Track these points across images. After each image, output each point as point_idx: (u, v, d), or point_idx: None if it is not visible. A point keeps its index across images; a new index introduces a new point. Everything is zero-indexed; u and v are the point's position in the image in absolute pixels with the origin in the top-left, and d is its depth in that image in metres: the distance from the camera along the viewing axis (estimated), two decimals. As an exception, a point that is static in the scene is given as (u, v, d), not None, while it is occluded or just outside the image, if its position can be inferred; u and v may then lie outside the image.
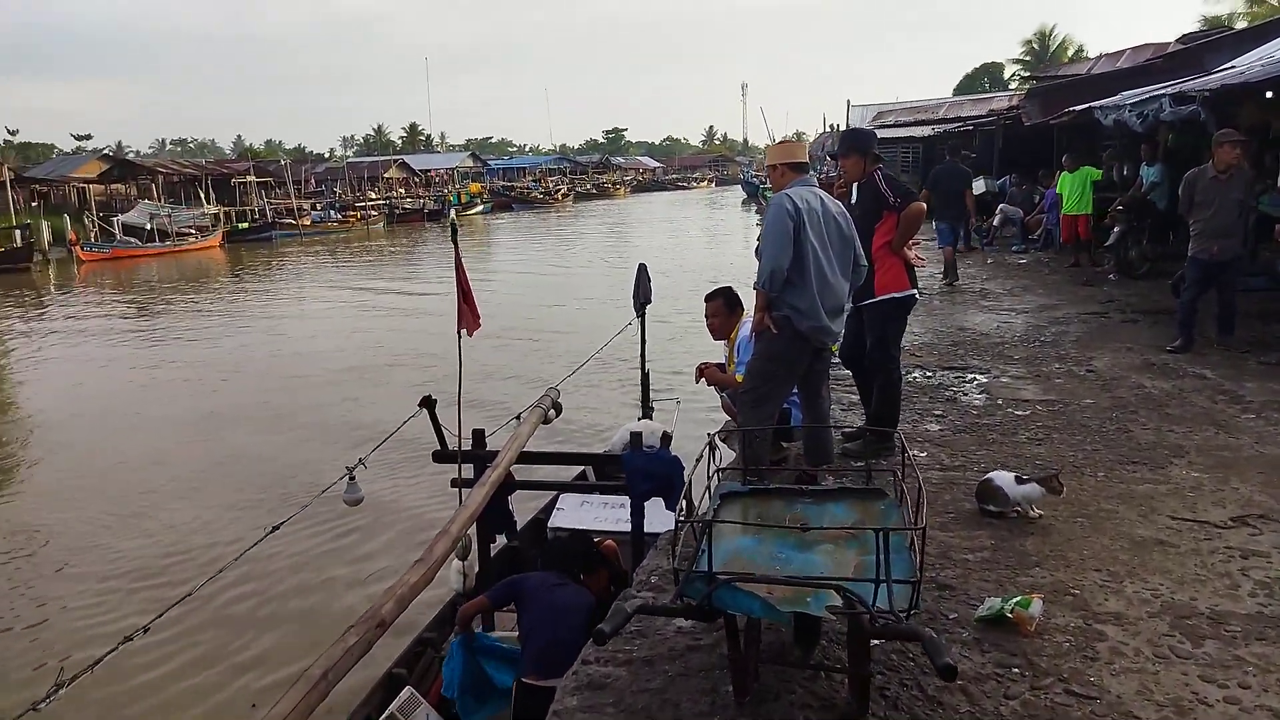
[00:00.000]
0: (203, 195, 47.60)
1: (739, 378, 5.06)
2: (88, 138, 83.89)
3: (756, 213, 45.21)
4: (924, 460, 5.20)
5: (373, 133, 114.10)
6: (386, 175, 67.59)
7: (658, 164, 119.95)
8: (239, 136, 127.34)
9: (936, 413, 6.32)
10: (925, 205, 5.40)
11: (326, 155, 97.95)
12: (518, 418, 5.29)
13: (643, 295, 7.27)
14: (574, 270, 29.22)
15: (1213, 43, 15.03)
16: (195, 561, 7.56)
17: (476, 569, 5.18)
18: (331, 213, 52.56)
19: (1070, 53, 57.83)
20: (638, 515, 5.05)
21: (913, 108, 30.31)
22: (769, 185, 6.41)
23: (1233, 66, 11.33)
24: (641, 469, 4.98)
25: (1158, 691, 2.92)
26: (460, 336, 4.92)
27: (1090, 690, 2.92)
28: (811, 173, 4.85)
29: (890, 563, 2.47)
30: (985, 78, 68.65)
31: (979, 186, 16.80)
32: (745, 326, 5.21)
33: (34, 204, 45.01)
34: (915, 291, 5.37)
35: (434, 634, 5.54)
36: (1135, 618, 3.37)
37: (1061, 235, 14.23)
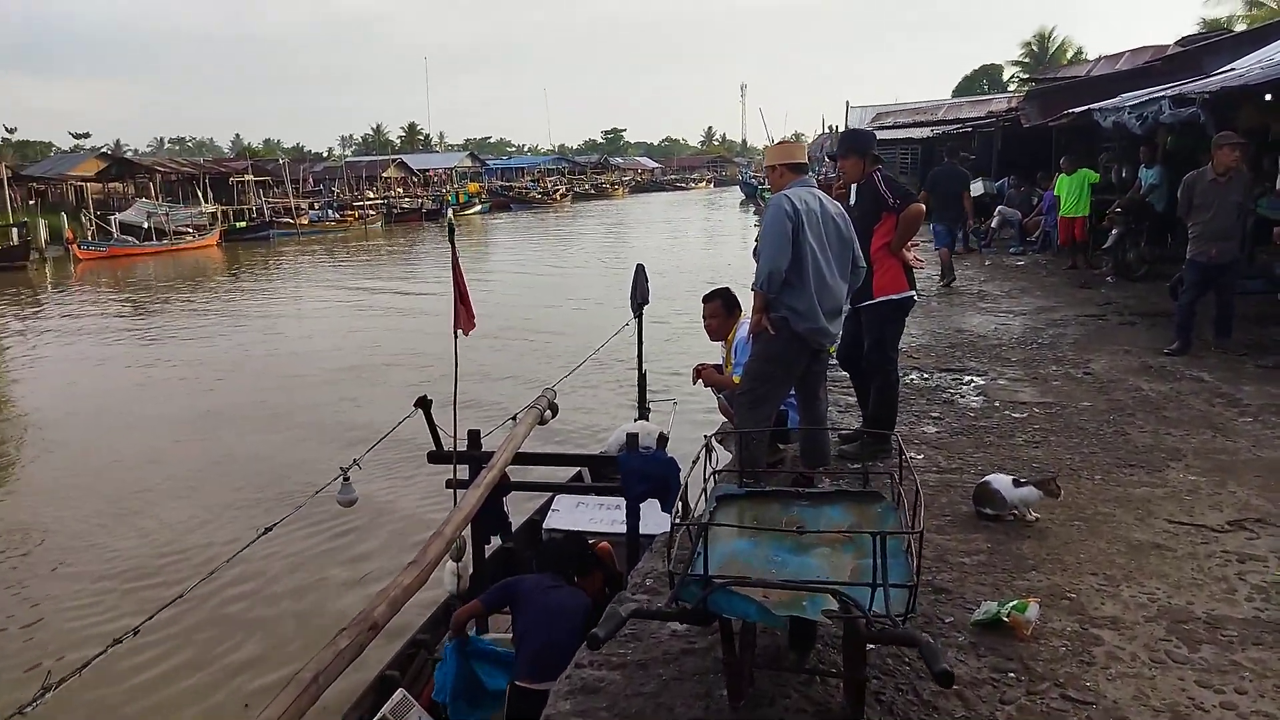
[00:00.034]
0: (200, 194, 47.54)
1: (736, 379, 5.04)
2: (86, 136, 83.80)
3: (755, 214, 45.22)
4: (921, 462, 5.18)
5: (371, 132, 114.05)
6: (385, 175, 67.57)
7: (656, 164, 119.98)
8: (237, 135, 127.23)
9: (934, 415, 6.31)
10: (924, 207, 5.38)
11: (325, 155, 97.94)
12: (514, 418, 5.28)
13: (640, 296, 7.27)
14: (571, 270, 29.21)
15: (1212, 45, 15.05)
16: (190, 562, 7.54)
17: (471, 570, 5.16)
18: (329, 212, 52.54)
19: (1069, 55, 57.88)
20: (633, 517, 5.04)
21: (912, 109, 30.35)
22: (767, 186, 6.40)
23: (1232, 69, 11.34)
24: (637, 470, 4.96)
25: (1154, 697, 2.90)
26: (456, 337, 4.91)
27: (1087, 695, 2.90)
28: (810, 174, 4.83)
29: (887, 567, 2.45)
30: (984, 79, 68.72)
31: (977, 188, 16.80)
32: (743, 328, 5.19)
33: (31, 202, 44.95)
34: (914, 293, 5.35)
35: (427, 636, 5.52)
36: (1132, 622, 3.36)
37: (1059, 237, 14.25)
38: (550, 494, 6.78)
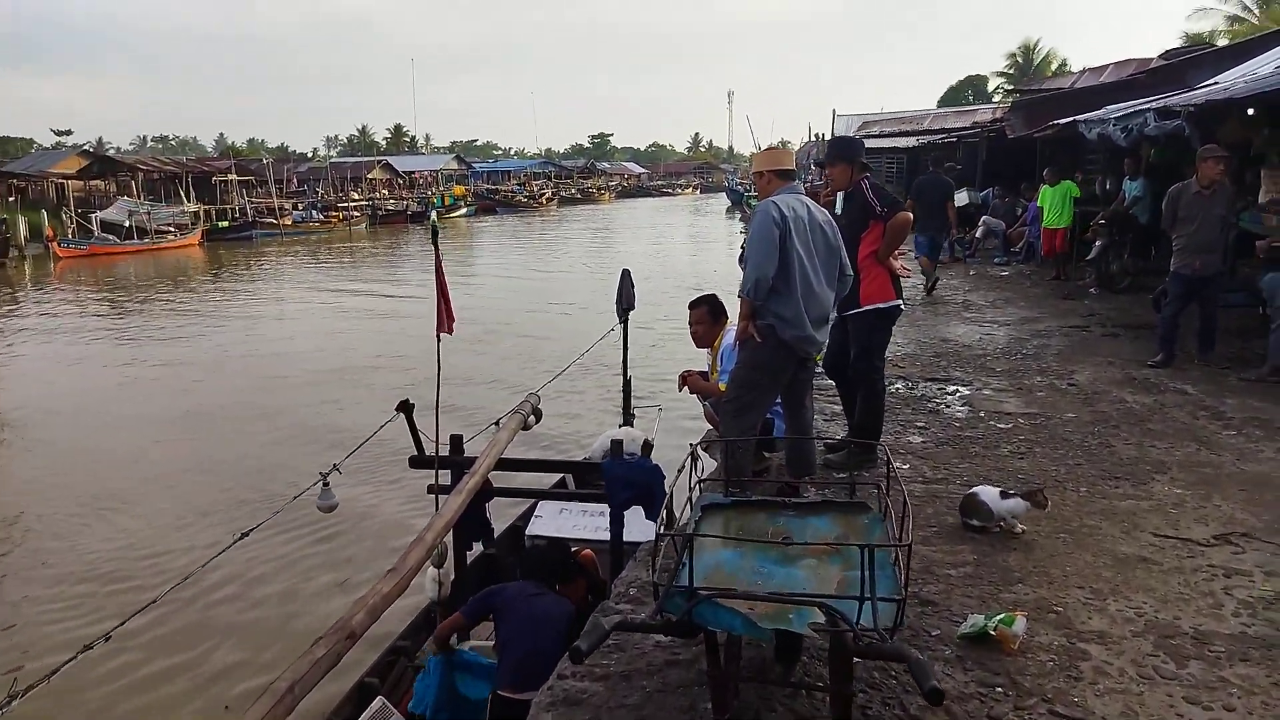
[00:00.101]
0: (183, 193, 47.13)
1: (722, 386, 5.00)
2: (68, 133, 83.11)
3: (741, 220, 45.31)
4: (906, 472, 5.16)
5: (357, 133, 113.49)
6: (370, 176, 67.17)
7: (643, 170, 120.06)
8: (221, 134, 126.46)
9: (919, 424, 6.29)
10: (912, 215, 5.36)
11: (309, 155, 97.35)
12: (497, 423, 5.23)
13: (626, 301, 7.22)
14: (557, 275, 29.14)
15: (1195, 59, 15.15)
16: (172, 564, 7.41)
17: (452, 577, 5.10)
18: (313, 213, 52.21)
19: (1054, 66, 58.22)
20: (617, 524, 4.99)
21: (898, 118, 30.46)
22: (754, 193, 6.37)
23: (1215, 83, 11.41)
24: (621, 478, 4.92)
25: (1142, 713, 2.88)
26: (439, 340, 4.85)
27: (1075, 711, 2.87)
28: (798, 181, 4.80)
29: (875, 579, 2.41)
30: (969, 90, 69.12)
31: (962, 198, 16.86)
32: (729, 334, 5.15)
33: (11, 199, 44.28)
34: (900, 302, 5.33)
35: (407, 643, 5.45)
36: (1119, 637, 3.33)
37: (1043, 248, 14.31)
38: (533, 500, 6.72)
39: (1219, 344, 8.09)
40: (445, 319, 4.85)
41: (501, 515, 6.29)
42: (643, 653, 3.28)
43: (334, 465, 4.33)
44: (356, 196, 59.97)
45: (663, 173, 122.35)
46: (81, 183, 48.21)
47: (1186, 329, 8.03)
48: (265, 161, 59.85)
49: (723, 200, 70.45)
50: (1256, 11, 36.72)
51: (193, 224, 42.92)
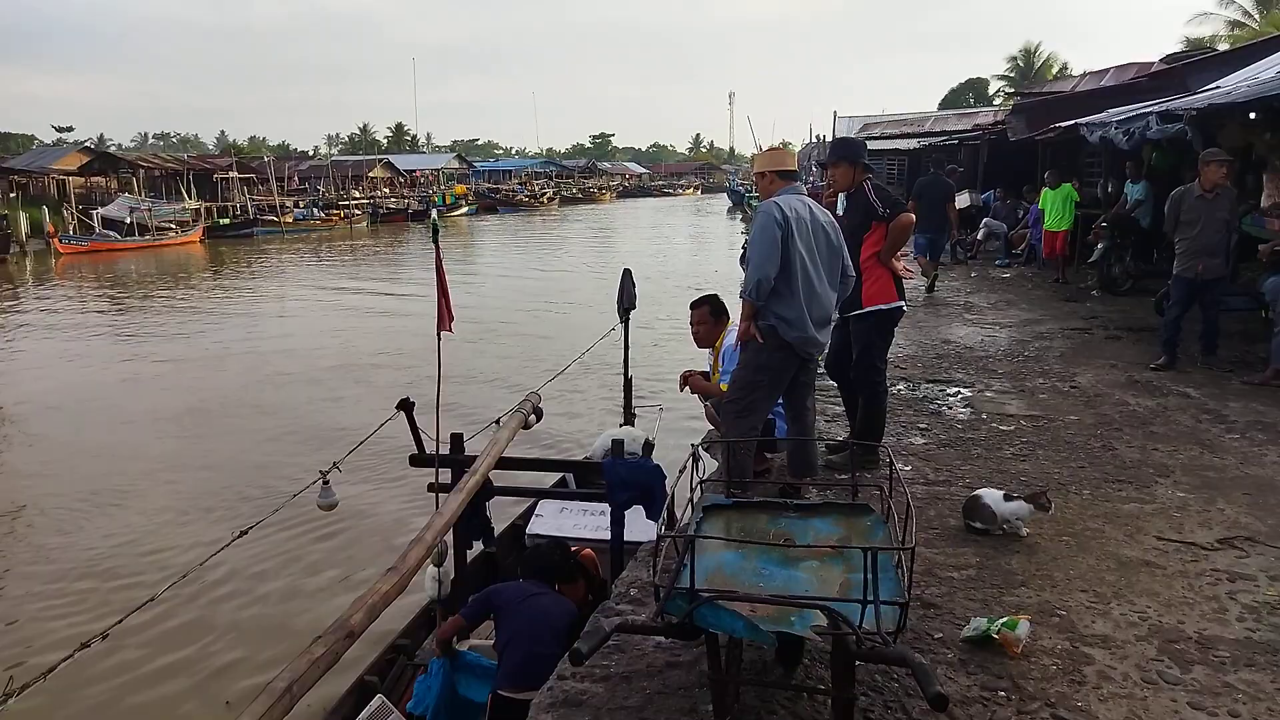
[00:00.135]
0: (184, 190, 47.14)
1: (723, 387, 4.98)
2: (69, 129, 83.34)
3: (742, 220, 45.31)
4: (908, 474, 5.13)
5: (358, 131, 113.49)
6: (371, 174, 67.20)
7: (644, 170, 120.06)
8: (223, 132, 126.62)
9: (921, 426, 6.27)
10: (914, 217, 5.34)
11: (311, 153, 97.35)
12: (497, 422, 5.21)
13: (627, 301, 7.21)
14: (557, 274, 29.11)
15: (1196, 63, 15.14)
16: (176, 561, 7.36)
17: (452, 575, 5.08)
18: (315, 211, 52.19)
19: (1055, 70, 58.25)
20: (618, 524, 4.98)
21: (899, 120, 30.41)
22: (755, 193, 6.35)
23: (1218, 87, 11.39)
24: (622, 478, 4.90)
25: (1147, 718, 2.85)
26: (440, 339, 4.83)
27: (1078, 715, 2.85)
28: (800, 181, 4.78)
29: (878, 582, 2.39)
30: (970, 93, 69.13)
31: (963, 200, 16.85)
32: (730, 335, 5.13)
33: (12, 195, 44.40)
34: (903, 304, 5.31)
35: (407, 641, 5.44)
36: (1123, 641, 3.31)
37: (1044, 251, 14.30)
38: (534, 499, 6.71)
39: (1221, 347, 8.08)
40: (445, 317, 4.84)
41: (502, 514, 6.27)
42: (643, 654, 3.26)
43: (334, 463, 4.31)
44: (358, 195, 59.97)
45: (664, 173, 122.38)
46: (83, 179, 48.22)
47: (1189, 332, 8.01)
48: (267, 159, 59.88)
49: (724, 201, 70.44)
50: (1257, 16, 36.74)
51: (194, 221, 42.91)
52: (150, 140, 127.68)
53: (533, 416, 5.47)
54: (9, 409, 12.77)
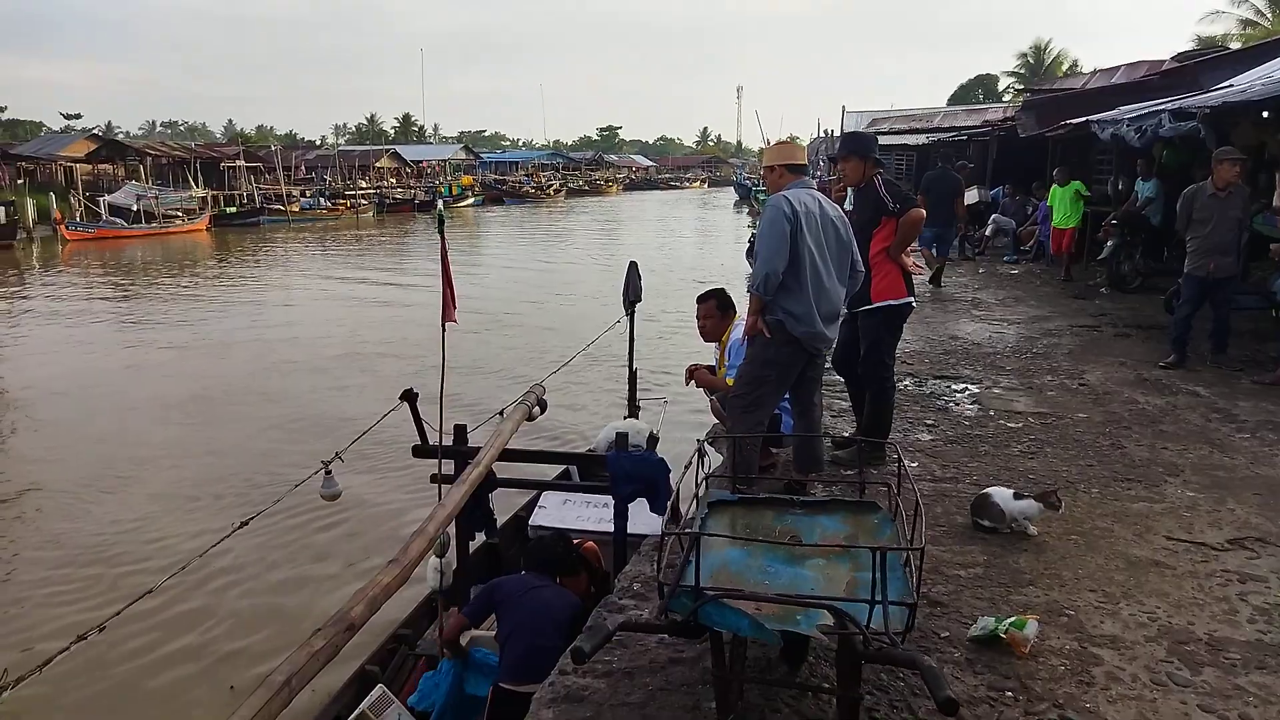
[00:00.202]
0: (191, 178, 47.15)
1: (729, 381, 4.94)
2: (77, 116, 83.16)
3: (749, 214, 45.20)
4: (915, 471, 5.09)
5: (365, 121, 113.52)
6: (378, 164, 67.13)
7: (651, 163, 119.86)
8: (230, 121, 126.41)
9: (928, 422, 6.23)
10: (924, 212, 5.28)
11: (318, 142, 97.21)
12: (501, 414, 5.17)
13: (633, 293, 7.16)
14: (563, 266, 29.06)
15: (1209, 61, 15.02)
16: (183, 548, 7.29)
17: (455, 566, 5.05)
18: (321, 200, 52.18)
19: (1065, 67, 57.98)
20: (621, 518, 4.94)
21: (908, 116, 30.34)
22: (762, 187, 6.30)
23: (1231, 85, 11.29)
24: (626, 471, 4.86)
25: (1156, 721, 2.82)
26: (444, 330, 4.79)
27: (1087, 717, 2.82)
28: (809, 175, 4.73)
29: (886, 582, 2.35)
30: (979, 89, 68.84)
31: (972, 196, 16.77)
32: (737, 329, 5.09)
33: (20, 181, 44.40)
34: (912, 300, 5.26)
35: (408, 631, 5.42)
36: (1132, 642, 3.27)
37: (1051, 247, 14.23)
38: (537, 491, 6.68)
39: (1231, 346, 8.03)
40: (450, 308, 4.80)
41: (505, 505, 6.24)
42: (646, 649, 3.22)
43: (336, 454, 4.28)
44: (364, 185, 59.92)
45: (671, 166, 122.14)
46: (90, 166, 48.29)
47: (1199, 331, 7.95)
48: (274, 148, 59.84)
49: (730, 194, 70.28)
50: (1269, 15, 36.51)
51: (200, 209, 42.95)
52: (158, 128, 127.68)
53: (537, 408, 5.44)
54: (15, 394, 12.78)
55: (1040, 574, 3.82)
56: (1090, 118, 12.05)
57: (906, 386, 7.14)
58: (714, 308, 5.43)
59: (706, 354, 5.73)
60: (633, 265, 7.25)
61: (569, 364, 7.81)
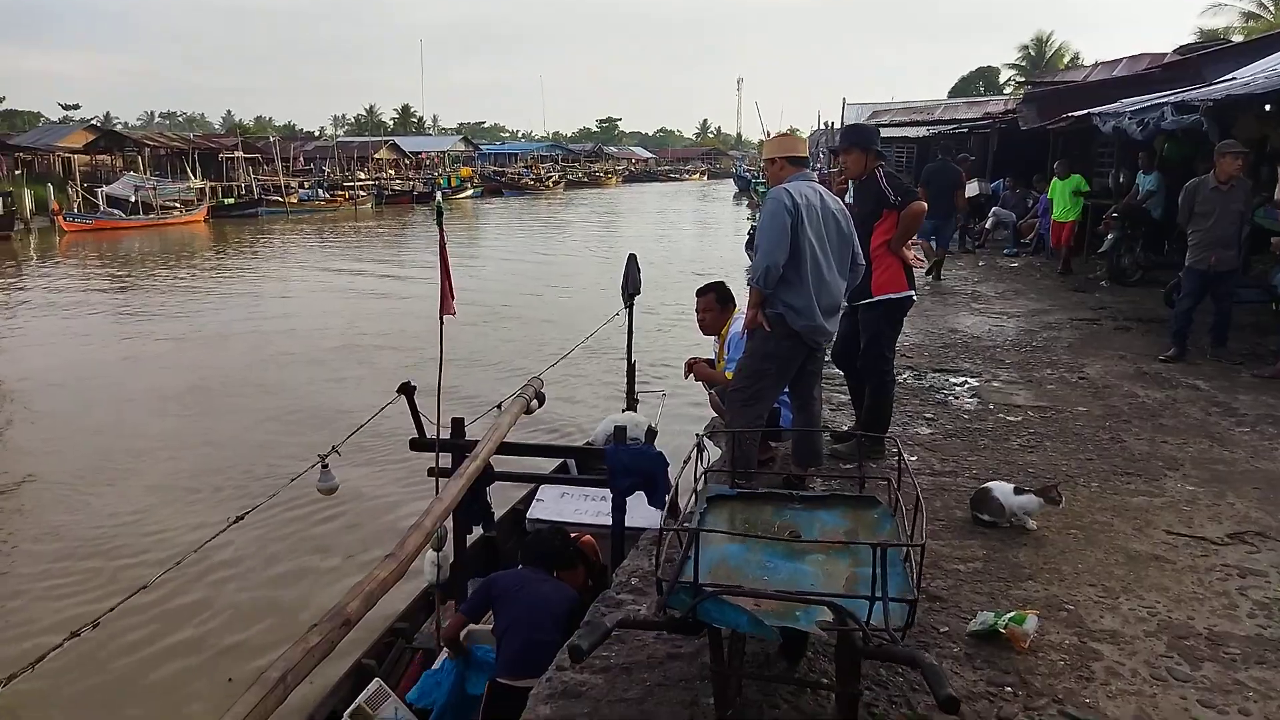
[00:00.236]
0: (189, 169, 47.03)
1: (729, 375, 4.92)
2: (75, 107, 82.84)
3: (748, 207, 45.11)
4: (914, 464, 5.07)
5: (364, 113, 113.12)
6: (376, 156, 66.94)
7: (650, 155, 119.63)
8: (228, 111, 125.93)
9: (927, 416, 6.21)
10: (926, 205, 5.25)
11: (317, 134, 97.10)
12: (499, 407, 5.15)
13: (631, 286, 7.13)
14: (562, 258, 29.01)
15: (1211, 54, 14.96)
16: (183, 540, 7.26)
17: (451, 560, 5.05)
18: (320, 191, 52.00)
19: (1066, 59, 57.83)
20: (619, 511, 4.92)
21: (908, 108, 30.19)
22: (762, 179, 6.26)
23: (1233, 78, 11.26)
24: (625, 464, 4.84)
25: (1156, 716, 2.81)
26: (442, 322, 4.77)
27: (1087, 713, 2.80)
28: (810, 168, 4.70)
29: (886, 578, 2.33)
30: (980, 81, 68.68)
31: (972, 189, 16.73)
32: (737, 323, 5.06)
33: (17, 172, 44.35)
34: (913, 293, 5.23)
35: (405, 624, 5.41)
36: (1132, 636, 3.26)
37: (1051, 240, 14.21)
38: (535, 484, 6.66)
39: (1232, 340, 8.01)
40: (449, 301, 4.78)
41: (502, 497, 6.23)
42: (643, 644, 3.21)
43: (333, 447, 4.26)
44: (363, 176, 59.76)
45: (670, 158, 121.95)
46: (88, 157, 48.15)
47: (1199, 324, 7.93)
48: (272, 139, 59.72)
49: (730, 186, 70.18)
50: (1272, 8, 36.41)
51: (199, 200, 42.80)
52: (156, 119, 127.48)
53: (535, 401, 5.41)
54: (12, 385, 12.75)
55: (1040, 568, 3.80)
56: (1092, 110, 12.02)
57: (906, 380, 7.11)
58: (713, 301, 5.40)
59: (705, 347, 5.71)
60: (632, 257, 7.22)
61: (567, 357, 7.78)
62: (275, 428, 10.55)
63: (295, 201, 48.52)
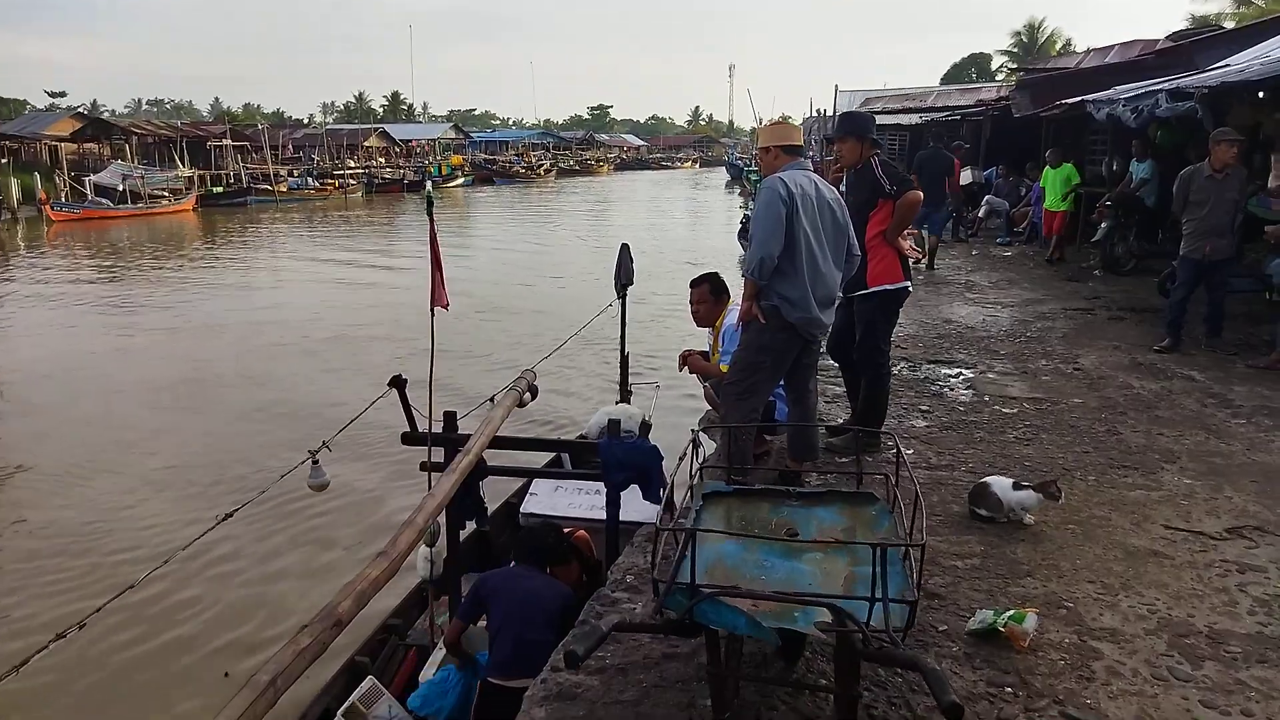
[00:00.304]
0: (178, 157, 46.70)
1: (723, 368, 4.87)
2: (62, 95, 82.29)
3: (740, 195, 45.01)
4: (911, 458, 5.02)
5: (354, 100, 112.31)
6: (366, 144, 66.58)
7: (642, 142, 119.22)
8: (217, 99, 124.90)
9: (922, 408, 6.17)
10: (921, 194, 5.20)
11: (306, 121, 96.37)
12: (491, 400, 5.09)
13: (624, 276, 7.06)
14: (554, 248, 28.88)
15: (1204, 41, 14.92)
16: (179, 535, 7.10)
17: (445, 556, 5.00)
18: (309, 180, 51.74)
19: (1058, 46, 57.75)
20: (613, 505, 4.87)
21: (901, 95, 30.14)
22: (754, 167, 6.20)
23: (1226, 65, 11.21)
24: (618, 458, 4.78)
25: (1158, 716, 2.77)
26: (434, 315, 4.71)
27: (1087, 714, 2.77)
28: (805, 156, 4.64)
29: (886, 578, 2.29)
30: (972, 68, 68.55)
31: (965, 177, 16.68)
32: (731, 314, 5.01)
33: (3, 160, 43.87)
34: (909, 284, 5.18)
35: (399, 621, 5.36)
36: (1132, 635, 3.23)
37: (1044, 229, 14.18)
38: (528, 478, 6.60)
39: (1226, 329, 7.99)
40: (440, 294, 4.71)
41: (496, 492, 6.17)
42: (639, 645, 3.16)
43: (323, 443, 4.20)
44: (353, 164, 59.47)
45: (662, 146, 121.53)
46: (75, 145, 47.72)
47: (1193, 314, 7.91)
48: (261, 127, 59.28)
49: (722, 174, 70.03)
50: (1264, -7, 36.34)
51: (187, 189, 42.57)
52: (144, 106, 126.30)
53: (528, 395, 5.35)
54: (2, 378, 12.63)
55: (1038, 565, 3.77)
56: (1085, 98, 11.97)
57: (901, 371, 7.08)
58: (707, 292, 5.34)
59: (700, 338, 5.65)
60: (624, 247, 7.16)
61: (560, 349, 7.72)
62: (266, 419, 10.47)
63: (284, 190, 48.31)
